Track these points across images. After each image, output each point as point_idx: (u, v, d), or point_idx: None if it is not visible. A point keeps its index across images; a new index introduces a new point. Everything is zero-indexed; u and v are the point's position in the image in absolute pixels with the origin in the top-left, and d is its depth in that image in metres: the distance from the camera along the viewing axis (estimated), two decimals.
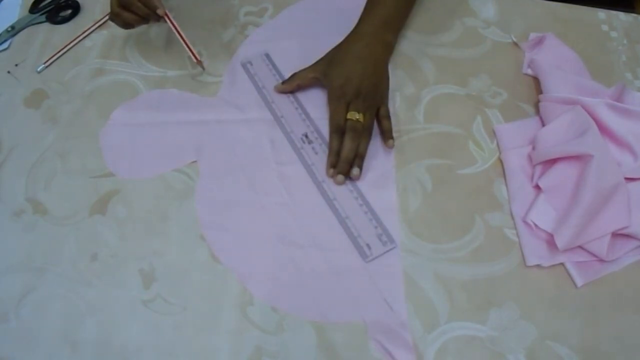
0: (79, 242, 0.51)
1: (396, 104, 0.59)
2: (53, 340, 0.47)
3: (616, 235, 0.48)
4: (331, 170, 0.53)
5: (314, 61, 0.59)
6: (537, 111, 0.57)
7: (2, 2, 0.69)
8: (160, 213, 0.53)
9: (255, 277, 0.49)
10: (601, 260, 0.48)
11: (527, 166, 0.53)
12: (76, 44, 0.65)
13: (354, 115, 0.53)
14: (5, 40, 0.65)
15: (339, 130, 0.54)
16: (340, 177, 0.53)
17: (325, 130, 0.57)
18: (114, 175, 0.55)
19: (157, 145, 0.57)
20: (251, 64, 0.62)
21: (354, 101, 0.54)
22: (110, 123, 0.59)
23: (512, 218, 0.51)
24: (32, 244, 0.52)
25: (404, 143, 0.56)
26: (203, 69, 0.60)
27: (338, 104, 0.55)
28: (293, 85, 0.59)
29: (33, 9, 0.68)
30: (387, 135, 0.55)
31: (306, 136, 0.56)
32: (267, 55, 0.63)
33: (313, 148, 0.55)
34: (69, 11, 0.68)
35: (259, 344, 0.46)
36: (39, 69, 0.63)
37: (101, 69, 0.63)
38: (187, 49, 0.58)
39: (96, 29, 0.66)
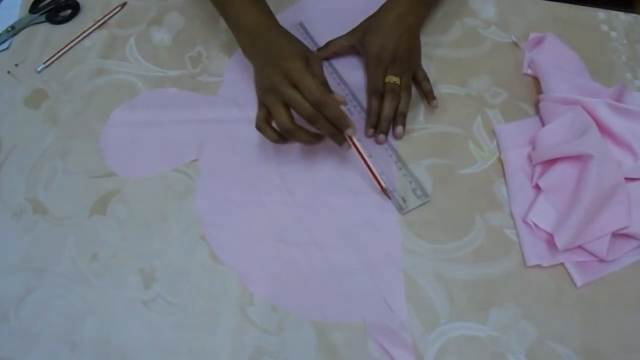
0: (79, 242, 0.51)
1: None
2: (53, 340, 0.47)
3: (616, 235, 0.48)
4: (371, 131, 0.56)
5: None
6: (537, 111, 0.57)
7: (2, 2, 0.69)
8: (160, 213, 0.53)
9: (255, 276, 0.49)
10: (601, 260, 0.48)
11: (527, 166, 0.53)
12: (76, 44, 0.65)
13: (391, 79, 0.56)
14: (5, 40, 0.65)
15: (377, 92, 0.56)
16: (382, 136, 0.55)
17: (359, 93, 0.59)
18: (114, 175, 0.55)
19: (157, 144, 0.57)
20: None
21: (391, 66, 0.57)
22: (110, 123, 0.59)
23: (512, 218, 0.51)
24: (32, 244, 0.51)
25: (404, 143, 0.56)
26: (388, 197, 0.52)
27: (376, 69, 0.57)
28: (329, 52, 0.62)
29: (33, 9, 0.68)
30: (429, 96, 0.58)
31: None
32: (302, 25, 0.65)
33: (348, 109, 0.58)
34: (69, 11, 0.68)
35: (259, 344, 0.46)
36: (39, 69, 0.63)
37: (101, 69, 0.63)
38: (372, 176, 0.51)
39: (96, 29, 0.66)
